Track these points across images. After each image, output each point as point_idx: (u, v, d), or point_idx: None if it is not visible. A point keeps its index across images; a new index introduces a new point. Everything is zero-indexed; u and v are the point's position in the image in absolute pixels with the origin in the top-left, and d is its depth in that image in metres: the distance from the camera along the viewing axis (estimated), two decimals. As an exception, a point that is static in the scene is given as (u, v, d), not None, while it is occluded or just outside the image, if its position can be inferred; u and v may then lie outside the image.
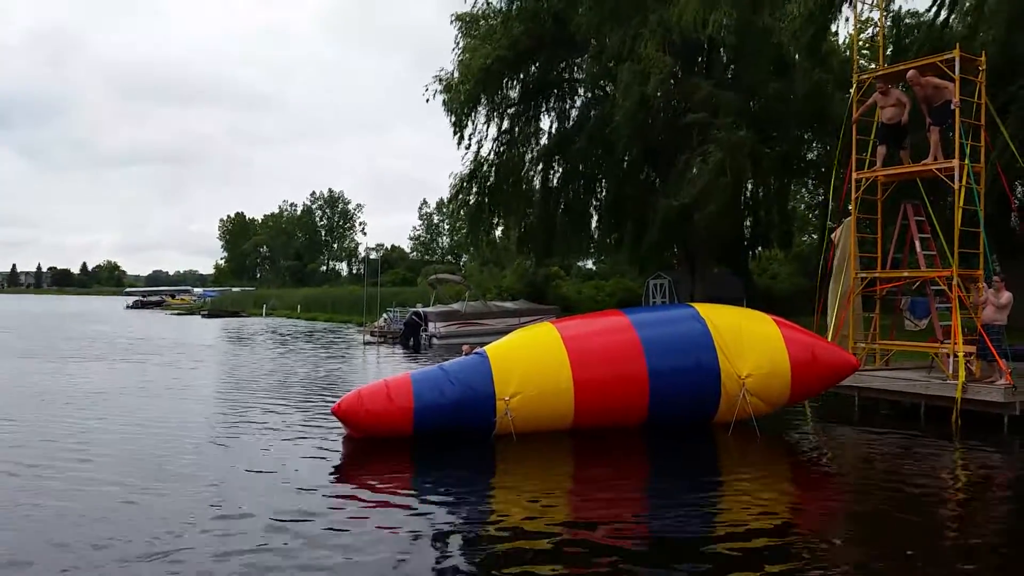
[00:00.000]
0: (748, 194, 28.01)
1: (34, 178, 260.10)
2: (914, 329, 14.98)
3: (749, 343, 10.70)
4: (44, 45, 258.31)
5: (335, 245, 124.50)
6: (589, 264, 56.49)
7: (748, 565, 5.87)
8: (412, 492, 8.06)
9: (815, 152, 32.26)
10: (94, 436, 10.64)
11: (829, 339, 13.53)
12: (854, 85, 14.86)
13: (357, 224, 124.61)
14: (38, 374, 18.28)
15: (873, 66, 17.77)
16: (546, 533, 6.57)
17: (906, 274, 14.05)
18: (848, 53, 28.01)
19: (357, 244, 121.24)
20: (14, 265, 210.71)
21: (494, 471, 9.36)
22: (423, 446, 9.94)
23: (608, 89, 30.22)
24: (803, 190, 39.69)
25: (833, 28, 26.93)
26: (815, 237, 25.69)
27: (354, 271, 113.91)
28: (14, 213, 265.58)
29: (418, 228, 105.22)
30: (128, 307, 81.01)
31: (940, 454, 10.35)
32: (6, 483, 8.07)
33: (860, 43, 20.24)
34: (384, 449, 9.86)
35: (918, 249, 13.96)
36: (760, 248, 39.32)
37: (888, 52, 21.06)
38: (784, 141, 28.79)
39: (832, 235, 15.21)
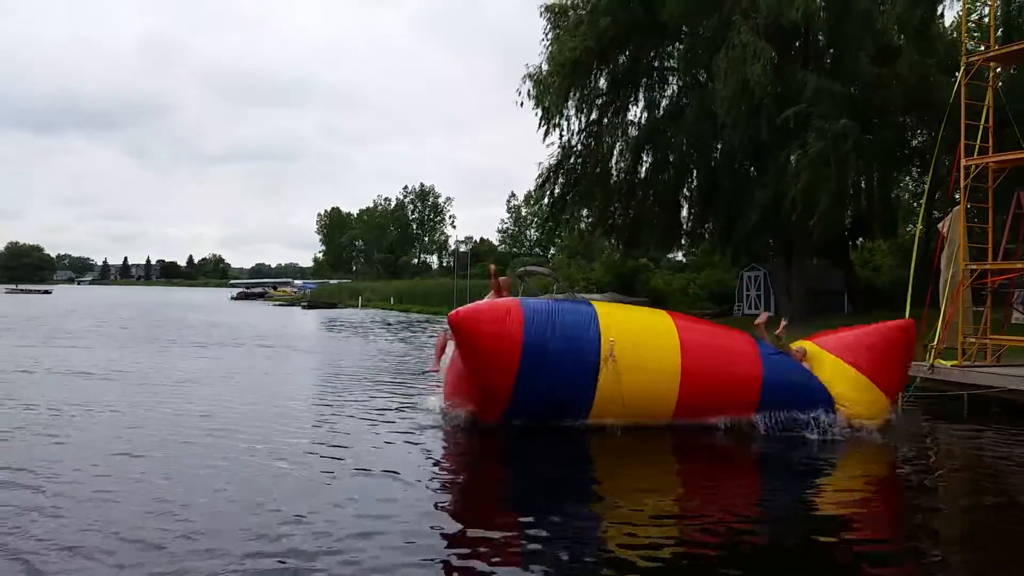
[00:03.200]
0: (850, 183, 26.99)
1: (141, 176, 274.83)
2: (1023, 322, 14.24)
3: (840, 383, 10.45)
4: (150, 51, 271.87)
5: (426, 238, 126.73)
6: (679, 256, 55.62)
7: (842, 571, 5.74)
8: (507, 490, 8.15)
9: (920, 139, 30.87)
10: (224, 412, 11.52)
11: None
12: (962, 68, 14.19)
13: (447, 217, 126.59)
14: (178, 359, 19.57)
15: (983, 48, 16.90)
16: (646, 529, 6.57)
17: (1019, 266, 13.36)
18: (955, 35, 26.70)
19: (447, 237, 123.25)
20: (125, 258, 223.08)
21: (593, 470, 9.37)
22: (514, 439, 10.01)
23: (701, 78, 29.63)
24: (907, 178, 38.03)
25: (938, 10, 25.81)
26: (920, 228, 24.60)
27: (444, 264, 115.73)
28: (124, 209, 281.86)
29: (506, 221, 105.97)
30: (232, 298, 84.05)
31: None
32: (180, 449, 9.02)
33: (970, 24, 19.20)
34: (473, 445, 9.97)
35: (1032, 239, 13.26)
36: (861, 239, 37.86)
37: (998, 33, 19.98)
38: (887, 128, 27.65)
39: (940, 225, 14.58)
